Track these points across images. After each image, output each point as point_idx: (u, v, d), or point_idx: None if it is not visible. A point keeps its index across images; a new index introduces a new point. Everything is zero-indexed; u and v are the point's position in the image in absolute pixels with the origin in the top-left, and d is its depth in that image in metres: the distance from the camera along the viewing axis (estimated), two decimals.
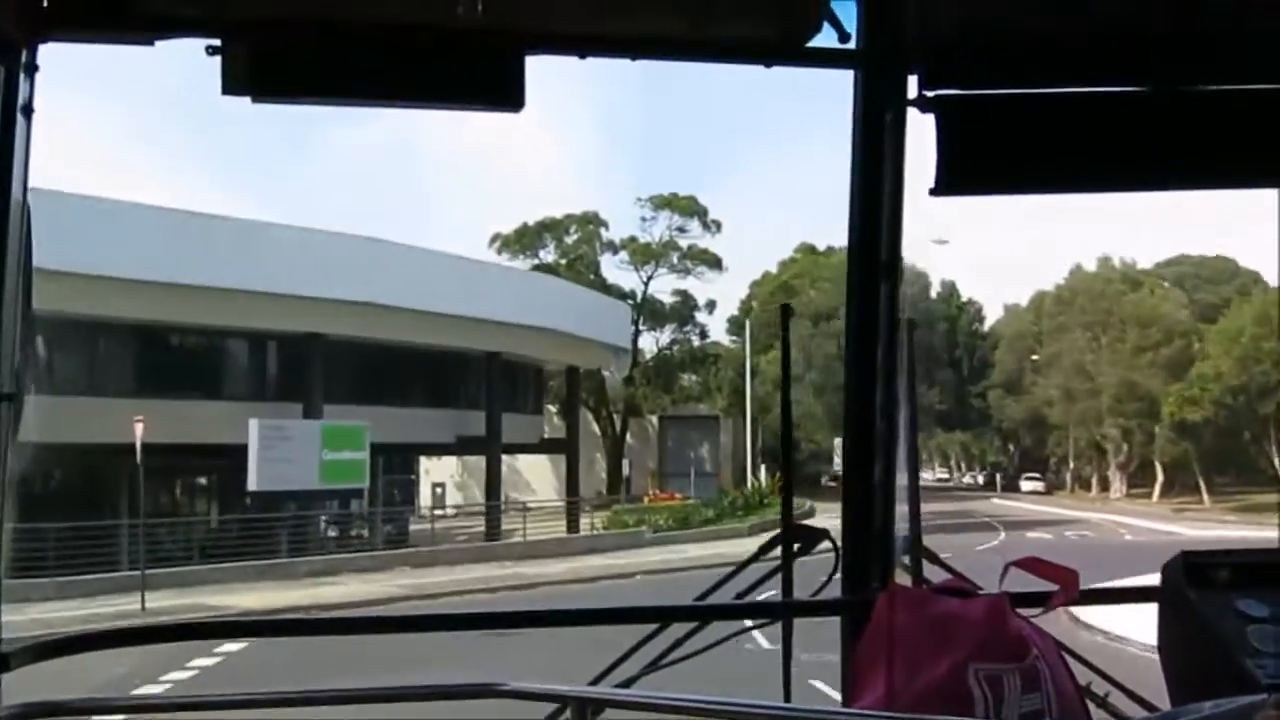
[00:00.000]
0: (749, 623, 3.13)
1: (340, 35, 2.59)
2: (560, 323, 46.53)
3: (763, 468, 64.55)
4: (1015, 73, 2.83)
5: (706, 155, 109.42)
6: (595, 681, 2.79)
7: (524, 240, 72.57)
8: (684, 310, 77.55)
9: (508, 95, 2.65)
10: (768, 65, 2.83)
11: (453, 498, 72.71)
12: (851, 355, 3.00)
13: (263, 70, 2.56)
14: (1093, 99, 2.83)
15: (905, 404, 2.95)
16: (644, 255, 76.14)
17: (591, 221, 75.89)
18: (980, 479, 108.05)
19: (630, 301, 75.10)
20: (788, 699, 2.82)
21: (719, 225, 76.23)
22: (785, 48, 2.83)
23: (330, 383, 37.74)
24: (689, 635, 2.92)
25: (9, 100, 2.38)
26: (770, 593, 3.10)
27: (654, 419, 76.90)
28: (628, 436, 76.10)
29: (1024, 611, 2.63)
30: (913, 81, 2.85)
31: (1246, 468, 72.20)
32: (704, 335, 78.36)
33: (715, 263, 76.57)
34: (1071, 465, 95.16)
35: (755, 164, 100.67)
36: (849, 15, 2.76)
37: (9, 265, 2.36)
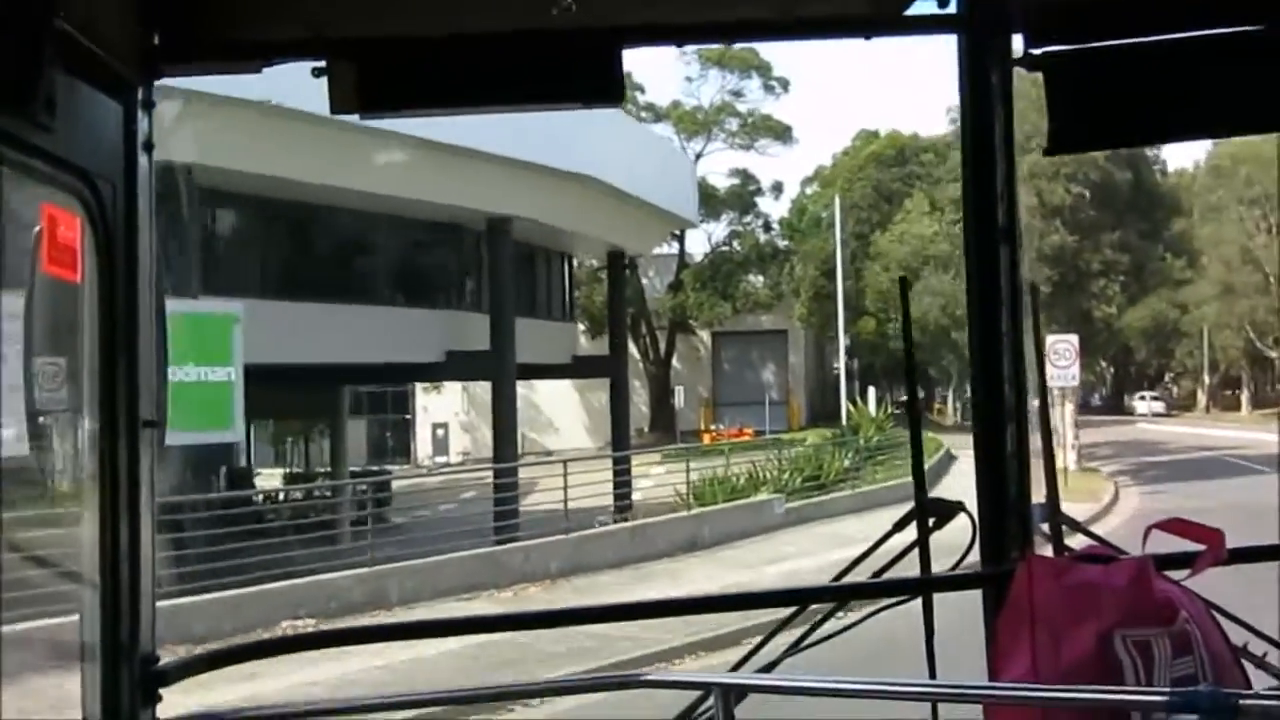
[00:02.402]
0: (886, 601, 3.04)
1: (441, 48, 2.65)
2: (603, 171, 29.43)
3: (871, 391, 47.91)
4: (1120, 23, 2.74)
5: None
6: (736, 668, 2.82)
7: None
8: (744, 194, 60.68)
9: (608, 90, 2.68)
10: (867, 38, 2.89)
11: (459, 443, 57.09)
12: (975, 324, 2.85)
13: (367, 88, 2.63)
14: (1203, 43, 2.68)
15: (1034, 369, 2.89)
16: (691, 125, 59.24)
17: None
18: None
19: None
20: (933, 677, 2.81)
21: (785, 85, 59.13)
22: (883, 18, 2.84)
23: (221, 259, 21.01)
24: (826, 617, 2.88)
25: (130, 139, 2.45)
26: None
27: (706, 335, 60.26)
28: (673, 359, 59.56)
29: (1172, 574, 2.50)
30: (1017, 41, 2.76)
31: None
32: (769, 227, 61.27)
33: (782, 133, 59.79)
34: (1208, 381, 78.77)
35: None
36: None
37: (143, 296, 2.45)
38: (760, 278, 60.12)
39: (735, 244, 60.59)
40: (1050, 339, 30.44)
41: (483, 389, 46.22)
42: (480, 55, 2.64)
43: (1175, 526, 2.53)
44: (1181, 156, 68.99)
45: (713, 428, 54.55)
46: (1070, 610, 2.39)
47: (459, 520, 22.47)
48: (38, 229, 2.28)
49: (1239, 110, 2.72)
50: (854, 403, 44.56)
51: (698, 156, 59.18)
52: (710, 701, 2.48)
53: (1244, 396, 76.45)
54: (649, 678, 2.65)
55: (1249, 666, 2.57)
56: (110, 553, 2.38)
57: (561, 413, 55.03)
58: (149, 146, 2.51)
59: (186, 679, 2.54)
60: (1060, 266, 35.94)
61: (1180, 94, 2.70)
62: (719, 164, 60.86)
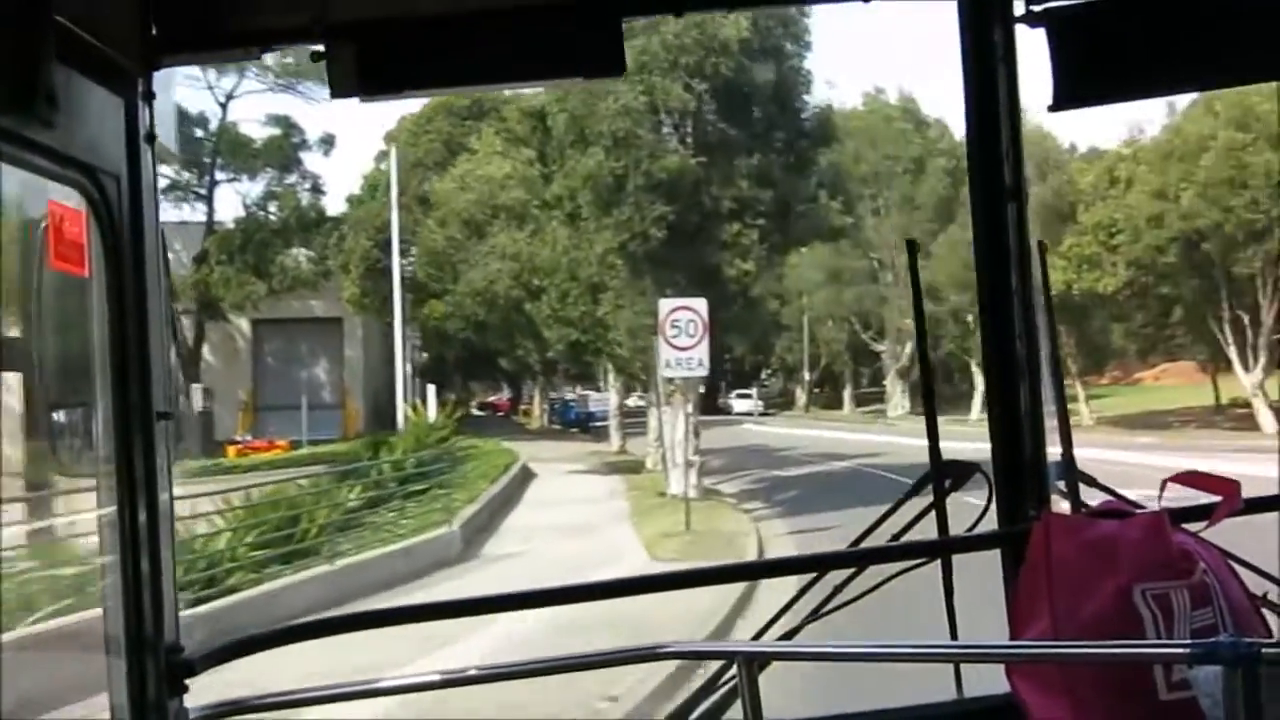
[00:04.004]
0: (906, 564, 3.01)
1: (440, 27, 2.65)
2: None
3: (431, 391, 37.76)
4: None
5: None
6: (758, 636, 2.87)
7: None
8: (285, 147, 48.99)
9: (608, 62, 2.66)
10: (866, 0, 2.86)
11: None
12: (985, 282, 2.86)
13: (368, 70, 2.62)
14: None
15: (1045, 325, 2.90)
16: None
17: None
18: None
19: (201, 133, 46.44)
20: (954, 638, 2.85)
21: None
22: None
23: None
24: (846, 582, 2.90)
25: (132, 130, 2.46)
26: None
27: (245, 324, 48.69)
28: (204, 350, 47.63)
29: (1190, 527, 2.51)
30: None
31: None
32: (318, 189, 50.01)
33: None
34: (807, 377, 74.07)
35: None
36: None
37: (151, 289, 2.46)
38: (303, 251, 48.78)
39: (272, 207, 48.84)
40: (665, 305, 20.87)
41: None
42: (479, 32, 2.63)
43: (1190, 479, 2.54)
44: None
45: (240, 439, 43.23)
46: (1088, 566, 2.40)
47: None
48: (44, 225, 2.30)
49: (1245, 58, 2.66)
50: (414, 408, 34.70)
51: (229, 97, 47.44)
52: (733, 671, 2.52)
53: (846, 393, 71.82)
54: (671, 650, 2.68)
55: (1270, 616, 2.55)
56: (130, 545, 2.40)
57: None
58: (151, 138, 2.51)
59: (214, 668, 2.54)
60: (677, 201, 25.20)
61: (1185, 44, 2.64)
62: (254, 108, 49.01)
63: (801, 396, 76.26)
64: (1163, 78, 2.77)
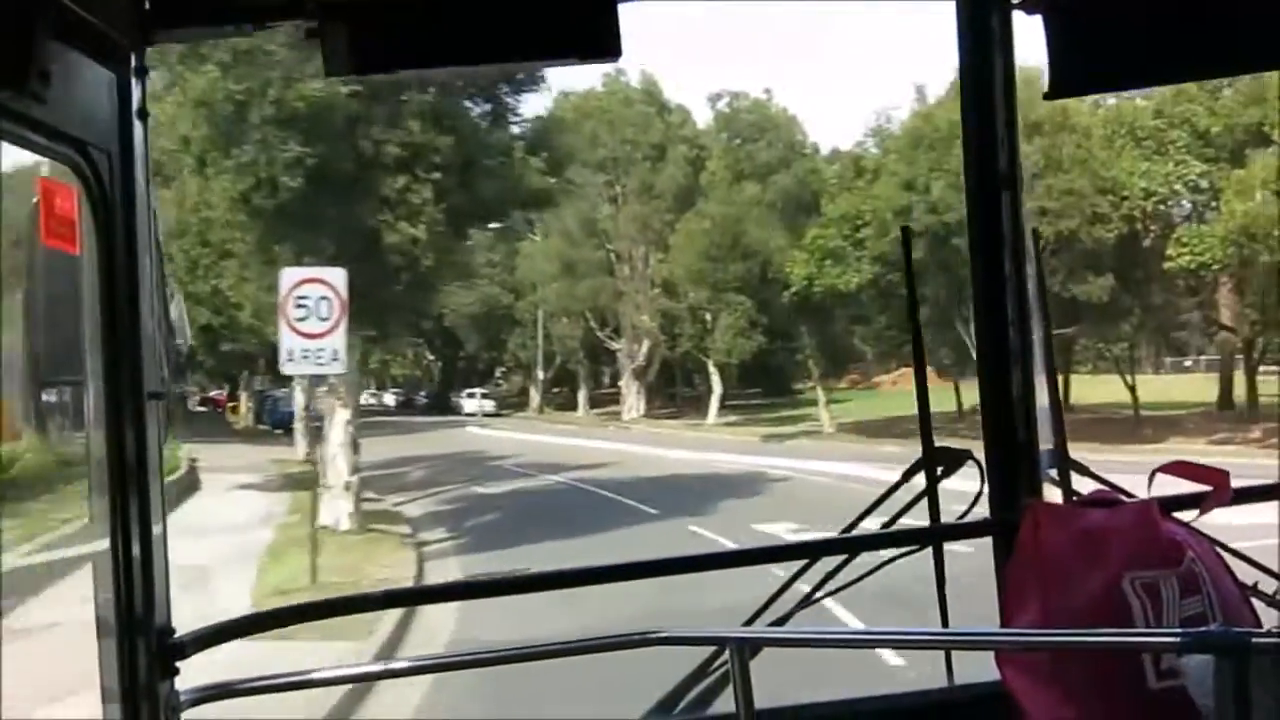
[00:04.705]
0: (896, 551, 3.06)
1: (435, 6, 2.61)
2: None
3: None
4: None
5: None
6: (749, 622, 2.86)
7: None
8: None
9: (605, 46, 2.59)
10: None
11: None
12: (978, 269, 2.93)
13: (361, 48, 2.58)
14: None
15: (1038, 314, 2.91)
16: None
17: None
18: (390, 400, 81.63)
19: None
20: (945, 625, 2.89)
21: None
22: None
23: None
24: (838, 569, 2.93)
25: (124, 106, 2.43)
26: None
27: None
28: None
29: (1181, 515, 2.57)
30: None
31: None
32: None
33: None
34: (541, 376, 69.93)
35: None
36: None
37: (144, 267, 2.44)
38: None
39: None
40: (288, 277, 15.79)
41: None
42: (474, 11, 2.59)
43: (1180, 469, 2.55)
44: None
45: None
46: (1078, 555, 2.42)
47: None
48: (35, 201, 2.29)
49: (1243, 48, 2.64)
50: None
51: None
52: (725, 656, 2.52)
53: (582, 394, 67.88)
54: (663, 635, 2.68)
55: (1260, 606, 2.56)
56: (121, 526, 2.38)
57: None
58: (143, 114, 2.49)
59: (205, 650, 2.53)
60: (322, 141, 19.38)
61: (1184, 33, 2.63)
62: None
63: (536, 397, 72.05)
64: (1161, 66, 2.77)
